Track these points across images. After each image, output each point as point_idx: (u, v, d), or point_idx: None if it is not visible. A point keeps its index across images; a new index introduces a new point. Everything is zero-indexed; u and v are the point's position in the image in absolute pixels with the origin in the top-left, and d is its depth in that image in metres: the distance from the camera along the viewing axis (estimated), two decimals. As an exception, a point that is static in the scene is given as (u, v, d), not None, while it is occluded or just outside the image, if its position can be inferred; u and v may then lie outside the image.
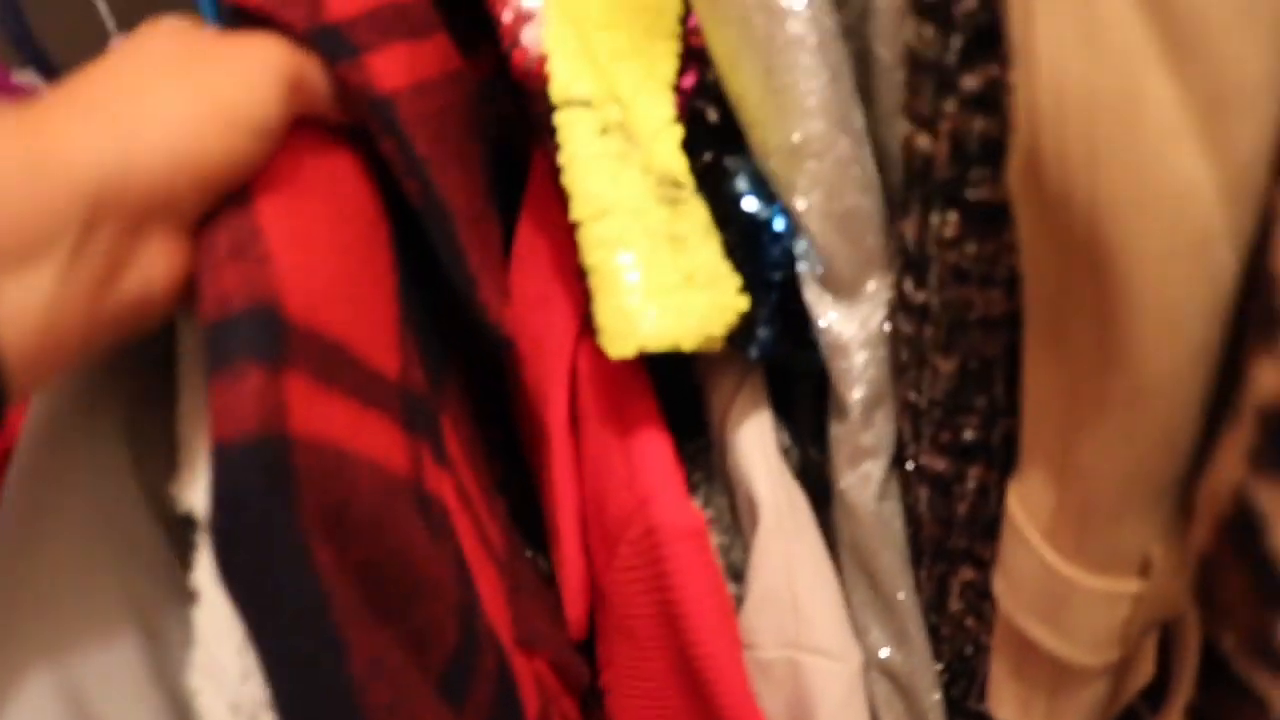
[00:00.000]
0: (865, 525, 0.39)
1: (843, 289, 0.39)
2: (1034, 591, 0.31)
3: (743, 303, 0.39)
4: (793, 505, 0.40)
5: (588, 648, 0.48)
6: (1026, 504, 0.31)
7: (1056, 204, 0.27)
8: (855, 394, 0.39)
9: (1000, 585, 0.33)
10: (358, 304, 0.38)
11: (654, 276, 0.37)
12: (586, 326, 0.42)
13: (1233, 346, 0.26)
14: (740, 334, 0.39)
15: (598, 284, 0.38)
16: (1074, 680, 0.32)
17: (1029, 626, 0.31)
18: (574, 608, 0.45)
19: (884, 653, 0.40)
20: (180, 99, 0.34)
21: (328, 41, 0.38)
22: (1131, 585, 0.30)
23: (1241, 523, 0.27)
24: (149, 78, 0.35)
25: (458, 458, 0.46)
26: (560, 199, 0.40)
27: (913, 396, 0.38)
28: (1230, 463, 0.26)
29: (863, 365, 0.39)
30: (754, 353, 0.40)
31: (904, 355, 0.38)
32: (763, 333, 0.40)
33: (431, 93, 0.43)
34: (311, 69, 0.38)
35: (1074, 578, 0.30)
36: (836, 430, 0.40)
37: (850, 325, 0.39)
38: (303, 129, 0.38)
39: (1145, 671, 0.32)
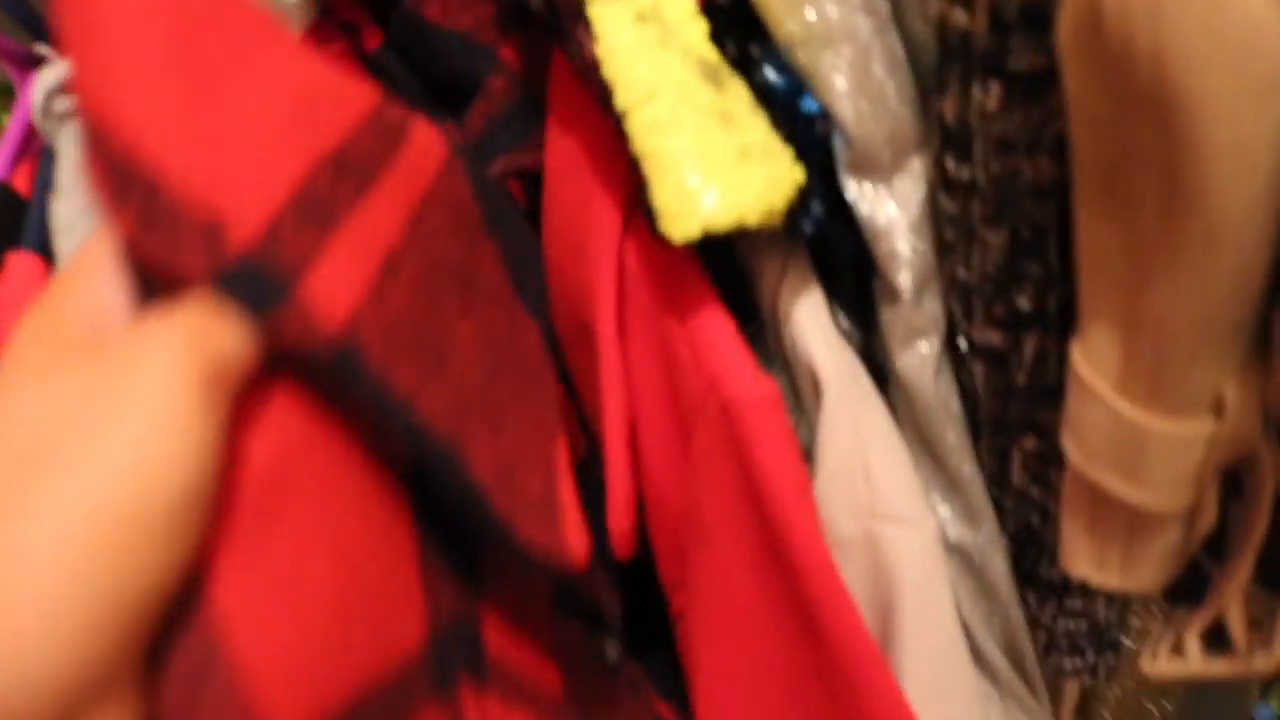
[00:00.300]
0: (926, 403, 0.39)
1: (880, 172, 0.39)
2: (1107, 443, 0.32)
3: (799, 173, 0.38)
4: (855, 377, 0.40)
5: (639, 595, 0.47)
6: (1093, 359, 0.32)
7: (1118, 56, 0.27)
8: (903, 275, 0.39)
9: (1070, 442, 0.33)
10: (368, 609, 0.31)
11: (710, 154, 0.37)
12: (630, 222, 0.42)
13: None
14: (793, 211, 0.39)
15: (653, 168, 0.37)
16: (1149, 529, 0.33)
17: (1103, 478, 0.32)
18: (619, 520, 0.44)
19: (952, 530, 0.40)
20: (64, 530, 0.23)
21: (242, 287, 0.28)
22: (1206, 425, 0.30)
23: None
24: (14, 509, 0.23)
25: (503, 638, 0.38)
26: (589, 101, 0.40)
27: (961, 274, 0.38)
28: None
29: (908, 247, 0.39)
30: (808, 227, 0.40)
31: (949, 234, 0.38)
32: (815, 208, 0.40)
33: (405, 258, 0.33)
34: (230, 333, 0.28)
35: (1148, 423, 0.31)
36: (887, 314, 0.40)
37: (890, 207, 0.39)
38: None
39: (1209, 519, 0.33)
